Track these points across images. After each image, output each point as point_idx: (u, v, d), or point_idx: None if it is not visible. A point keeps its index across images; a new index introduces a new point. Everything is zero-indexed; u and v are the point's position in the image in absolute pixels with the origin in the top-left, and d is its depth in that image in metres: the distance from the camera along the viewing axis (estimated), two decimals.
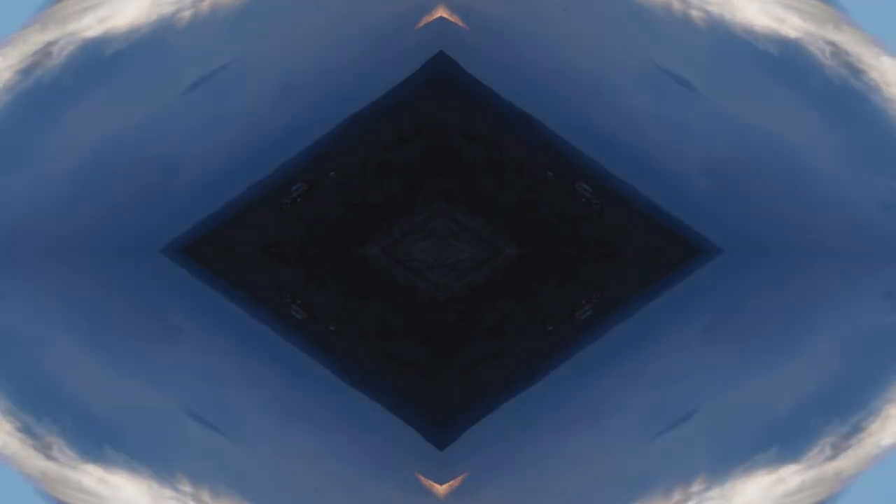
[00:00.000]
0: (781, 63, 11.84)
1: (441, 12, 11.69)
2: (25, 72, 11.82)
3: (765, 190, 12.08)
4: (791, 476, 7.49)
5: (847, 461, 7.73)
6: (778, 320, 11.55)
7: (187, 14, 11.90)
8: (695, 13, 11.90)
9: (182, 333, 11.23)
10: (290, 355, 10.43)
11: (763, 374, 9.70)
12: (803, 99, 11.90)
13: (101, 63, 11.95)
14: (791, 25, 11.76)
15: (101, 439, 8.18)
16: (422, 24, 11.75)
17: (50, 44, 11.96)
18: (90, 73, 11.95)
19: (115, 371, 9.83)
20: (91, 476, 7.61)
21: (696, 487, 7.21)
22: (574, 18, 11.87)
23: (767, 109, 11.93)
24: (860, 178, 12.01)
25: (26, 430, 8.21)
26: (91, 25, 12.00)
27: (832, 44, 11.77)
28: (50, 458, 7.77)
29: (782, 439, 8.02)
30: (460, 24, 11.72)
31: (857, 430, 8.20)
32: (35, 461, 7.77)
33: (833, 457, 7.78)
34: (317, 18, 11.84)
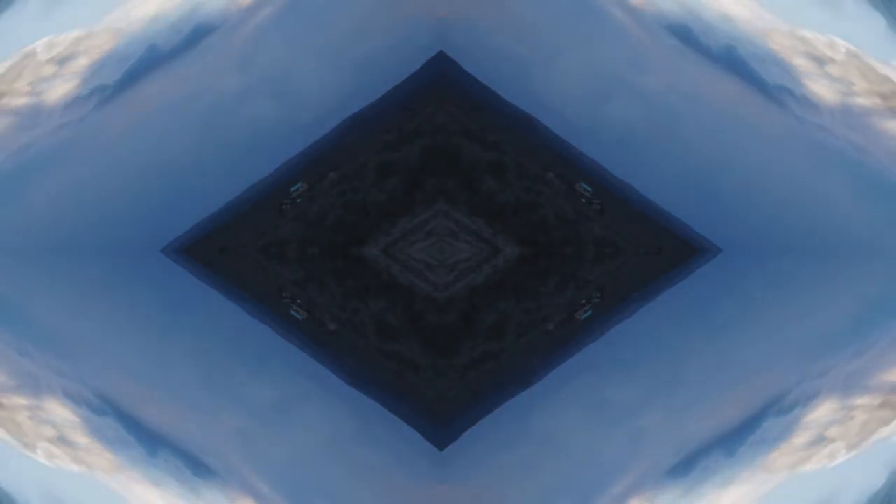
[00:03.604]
0: (770, 72, 11.86)
1: (441, 13, 11.69)
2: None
3: (764, 191, 12.08)
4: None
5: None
6: (777, 319, 11.54)
7: (186, 18, 11.90)
8: (694, 18, 11.90)
9: (182, 333, 11.24)
10: (290, 355, 10.42)
11: (761, 371, 9.70)
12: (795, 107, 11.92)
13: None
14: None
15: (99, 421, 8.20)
16: (422, 24, 11.75)
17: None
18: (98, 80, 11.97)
19: (116, 369, 9.84)
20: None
21: (680, 486, 7.24)
22: (574, 20, 11.87)
23: (766, 115, 11.94)
24: (856, 182, 12.02)
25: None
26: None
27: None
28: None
29: (773, 436, 8.04)
30: (460, 23, 11.72)
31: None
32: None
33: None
34: (317, 20, 11.84)
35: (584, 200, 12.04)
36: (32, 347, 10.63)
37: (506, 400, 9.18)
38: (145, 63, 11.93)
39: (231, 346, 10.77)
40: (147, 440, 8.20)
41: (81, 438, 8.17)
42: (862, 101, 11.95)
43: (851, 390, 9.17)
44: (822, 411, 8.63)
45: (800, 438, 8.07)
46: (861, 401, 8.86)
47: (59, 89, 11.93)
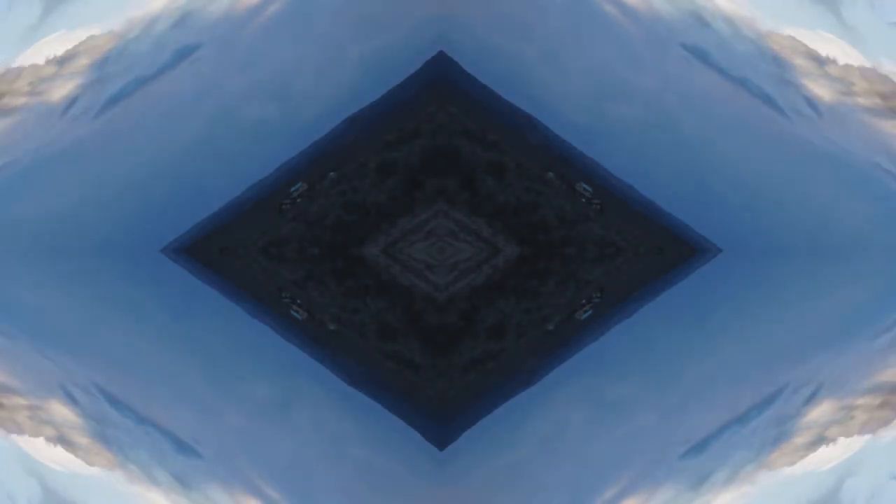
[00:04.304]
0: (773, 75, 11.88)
1: (441, 13, 11.70)
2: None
3: (764, 192, 12.08)
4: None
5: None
6: (777, 318, 11.55)
7: (188, 19, 11.91)
8: (694, 19, 11.91)
9: (182, 334, 11.24)
10: (290, 355, 10.43)
11: (761, 370, 9.71)
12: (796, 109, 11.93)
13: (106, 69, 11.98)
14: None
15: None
16: (422, 24, 11.76)
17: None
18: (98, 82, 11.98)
19: (116, 369, 9.85)
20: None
21: (680, 483, 7.25)
22: (574, 21, 11.88)
23: (766, 115, 11.95)
24: (857, 182, 12.03)
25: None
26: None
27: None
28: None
29: (773, 436, 8.05)
30: (460, 23, 11.73)
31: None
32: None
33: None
34: (317, 21, 11.84)
35: (584, 200, 12.04)
36: (33, 347, 10.64)
37: (506, 400, 9.18)
38: (146, 63, 11.93)
39: (231, 346, 10.77)
40: (147, 440, 8.20)
41: (81, 438, 8.17)
42: (862, 101, 11.96)
43: (851, 390, 9.18)
44: (822, 411, 8.64)
45: (800, 438, 8.08)
46: (861, 401, 8.88)
47: (60, 89, 11.94)
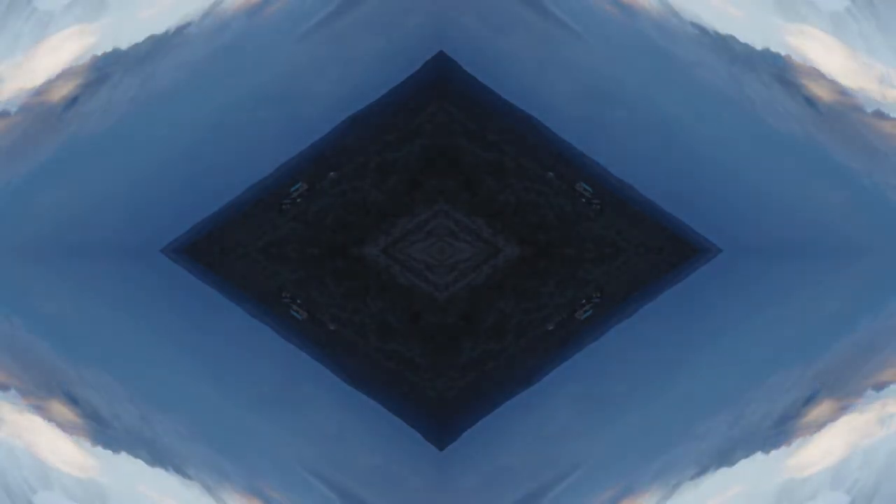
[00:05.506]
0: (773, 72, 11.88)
1: (441, 13, 11.71)
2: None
3: (764, 192, 12.09)
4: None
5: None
6: (777, 318, 11.56)
7: (188, 20, 11.92)
8: (692, 19, 11.93)
9: (182, 334, 11.25)
10: (290, 355, 10.44)
11: (761, 370, 9.72)
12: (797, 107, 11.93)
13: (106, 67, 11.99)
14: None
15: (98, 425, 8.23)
16: (422, 24, 11.76)
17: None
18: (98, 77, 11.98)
19: (116, 369, 9.86)
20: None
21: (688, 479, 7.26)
22: (574, 21, 11.88)
23: (765, 115, 11.95)
24: (856, 183, 12.03)
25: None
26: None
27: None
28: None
29: (773, 436, 8.06)
30: (460, 23, 11.73)
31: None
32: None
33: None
34: (317, 21, 11.85)
35: (584, 200, 12.05)
36: (33, 347, 10.65)
37: (506, 400, 9.19)
38: (146, 63, 11.93)
39: (231, 346, 10.78)
40: (147, 441, 8.21)
41: (82, 439, 8.19)
42: (861, 101, 11.96)
43: (851, 390, 9.19)
44: (822, 411, 8.65)
45: (800, 438, 8.09)
46: (860, 401, 8.89)
47: (60, 89, 11.94)
